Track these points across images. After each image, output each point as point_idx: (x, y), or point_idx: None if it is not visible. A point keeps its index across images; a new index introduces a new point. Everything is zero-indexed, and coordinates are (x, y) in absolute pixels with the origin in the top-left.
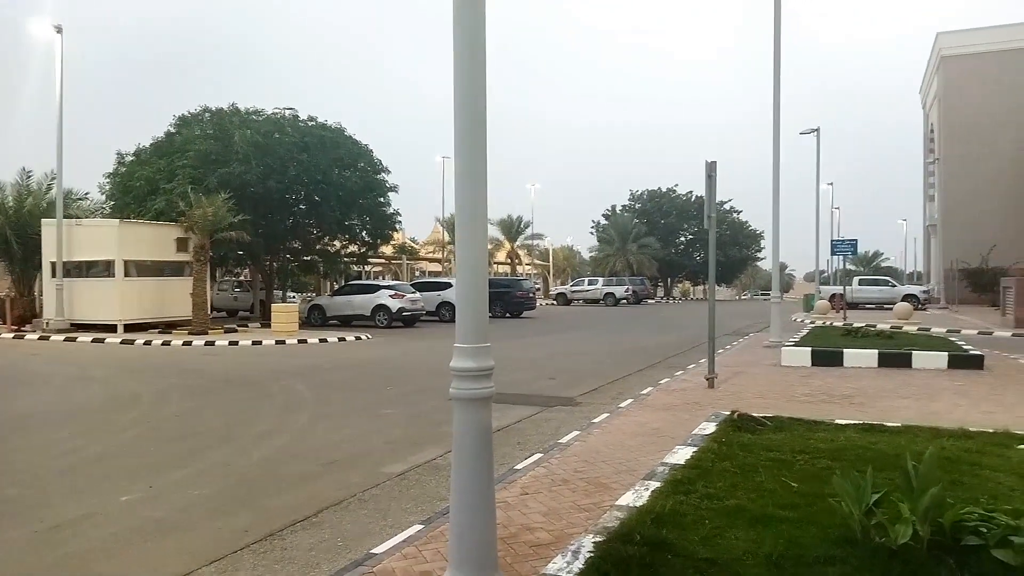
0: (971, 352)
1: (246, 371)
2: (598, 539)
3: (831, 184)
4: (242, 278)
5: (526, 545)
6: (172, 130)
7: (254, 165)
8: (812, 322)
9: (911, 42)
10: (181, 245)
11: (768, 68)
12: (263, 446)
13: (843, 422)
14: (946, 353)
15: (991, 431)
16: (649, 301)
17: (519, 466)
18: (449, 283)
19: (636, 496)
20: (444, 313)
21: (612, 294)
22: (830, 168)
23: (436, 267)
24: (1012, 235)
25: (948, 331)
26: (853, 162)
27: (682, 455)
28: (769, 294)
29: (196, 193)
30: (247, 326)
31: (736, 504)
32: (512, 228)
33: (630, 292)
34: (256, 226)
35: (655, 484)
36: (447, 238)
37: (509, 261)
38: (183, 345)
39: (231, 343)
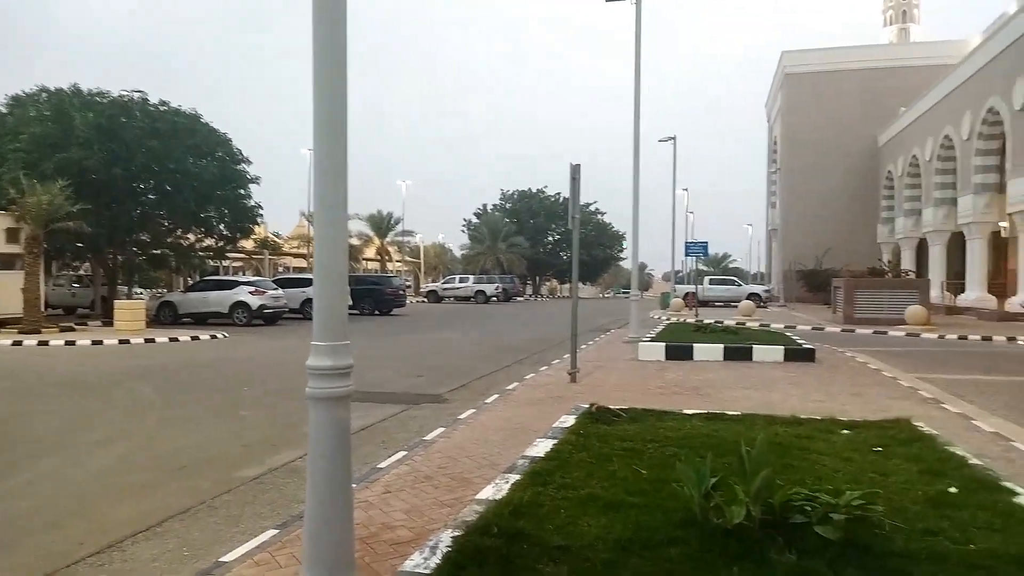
0: (804, 346)
1: (84, 373)
2: (456, 533)
3: (686, 189)
4: (81, 272)
5: (386, 544)
6: (3, 111)
7: (96, 151)
8: (668, 319)
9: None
10: (11, 236)
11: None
12: (102, 454)
13: (690, 412)
14: (782, 347)
15: (819, 418)
16: (518, 298)
17: (382, 464)
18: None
19: (496, 489)
20: (309, 311)
21: (483, 292)
22: (687, 174)
23: (301, 263)
24: (844, 240)
25: (786, 327)
26: (708, 169)
27: (542, 448)
28: (630, 292)
29: (29, 180)
30: (86, 324)
31: (590, 492)
32: (382, 224)
33: (500, 290)
34: (99, 216)
35: (515, 477)
36: (312, 232)
37: (379, 258)
38: (12, 345)
39: (67, 343)
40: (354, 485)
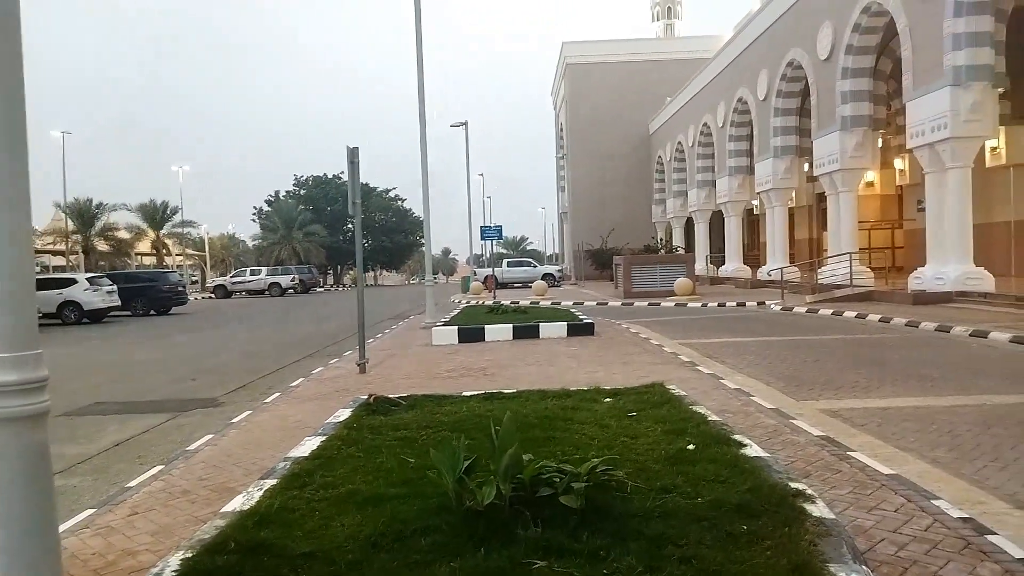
0: (585, 321)
1: None
2: (188, 554)
3: (482, 175)
4: None
5: (124, 572)
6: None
7: None
8: (467, 302)
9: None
10: None
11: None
12: None
13: (469, 394)
14: (565, 323)
15: (586, 389)
16: (318, 289)
17: (132, 483)
18: (74, 279)
19: (246, 499)
20: (68, 315)
21: (278, 284)
22: (488, 160)
23: (60, 260)
24: (626, 220)
25: (574, 303)
26: (508, 155)
27: (308, 447)
28: (436, 278)
29: None
30: None
31: (350, 489)
32: (156, 214)
33: (297, 281)
34: None
35: (271, 482)
36: (72, 226)
37: (155, 251)
38: None
39: None
40: (93, 510)
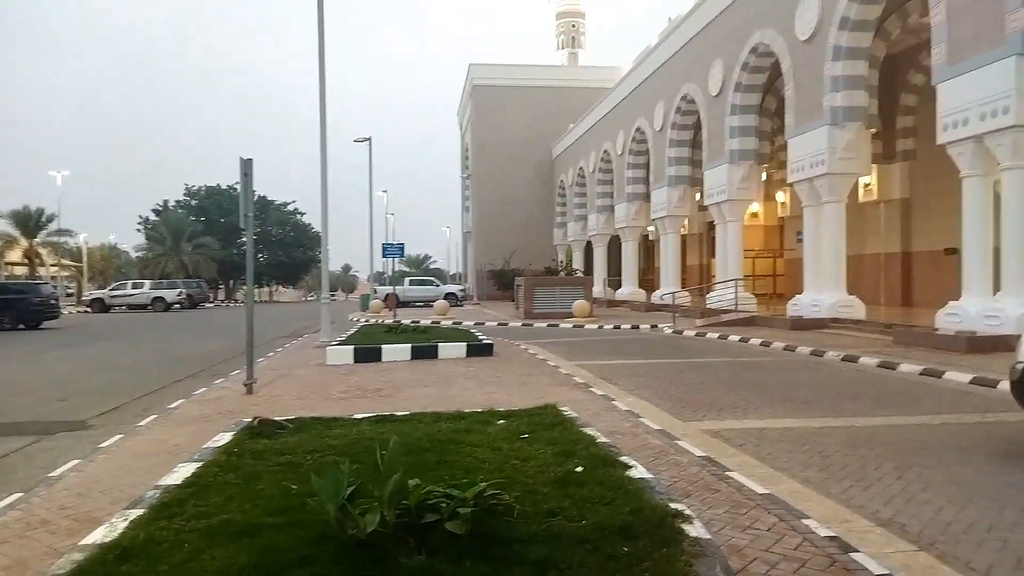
0: (484, 341)
1: None
2: None
3: (385, 191)
4: None
5: None
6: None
7: None
8: (366, 320)
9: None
10: None
11: (334, 79)
12: None
13: (360, 416)
14: (465, 343)
15: (480, 410)
16: (207, 305)
17: None
18: None
19: (109, 530)
20: None
21: (162, 298)
22: (394, 177)
23: None
24: (529, 241)
25: (475, 323)
26: (415, 173)
27: (182, 473)
28: (335, 295)
29: None
30: None
31: (225, 519)
32: (30, 222)
33: (184, 296)
34: None
35: (138, 512)
36: None
37: (27, 261)
38: None
39: None
40: None
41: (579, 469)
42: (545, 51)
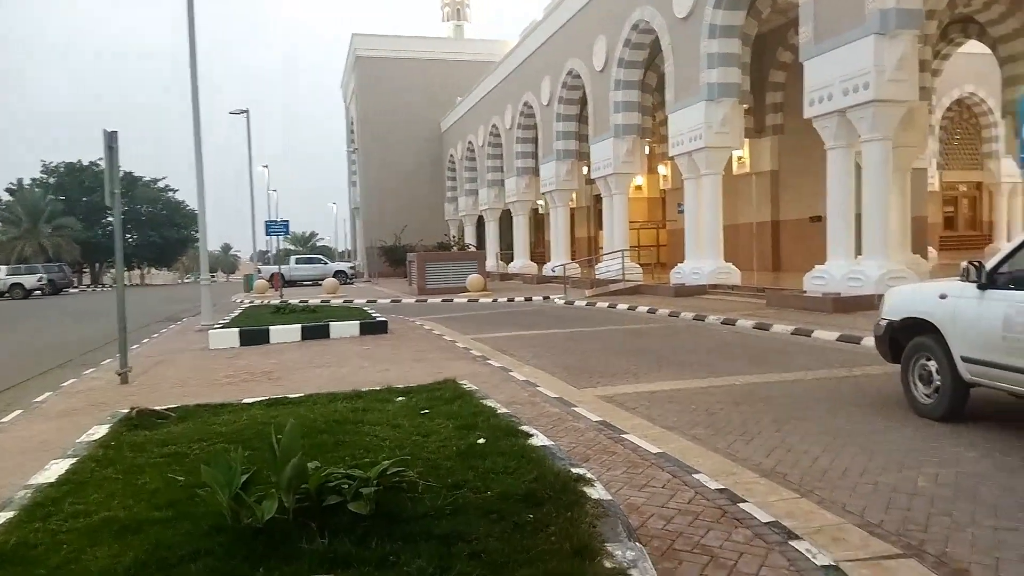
0: (378, 319)
1: None
2: None
3: (267, 166)
4: None
5: None
6: None
7: None
8: (251, 302)
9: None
10: None
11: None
12: None
13: (250, 400)
14: (358, 321)
15: (378, 388)
16: (71, 290)
17: None
18: None
19: None
20: None
21: (20, 285)
22: (277, 150)
23: None
24: (420, 216)
25: (367, 301)
26: (300, 146)
27: (55, 470)
28: (215, 276)
29: None
30: None
31: (106, 517)
32: None
33: (45, 282)
34: None
35: (8, 514)
36: None
37: None
38: None
39: None
40: None
41: (481, 441)
42: (430, 22)
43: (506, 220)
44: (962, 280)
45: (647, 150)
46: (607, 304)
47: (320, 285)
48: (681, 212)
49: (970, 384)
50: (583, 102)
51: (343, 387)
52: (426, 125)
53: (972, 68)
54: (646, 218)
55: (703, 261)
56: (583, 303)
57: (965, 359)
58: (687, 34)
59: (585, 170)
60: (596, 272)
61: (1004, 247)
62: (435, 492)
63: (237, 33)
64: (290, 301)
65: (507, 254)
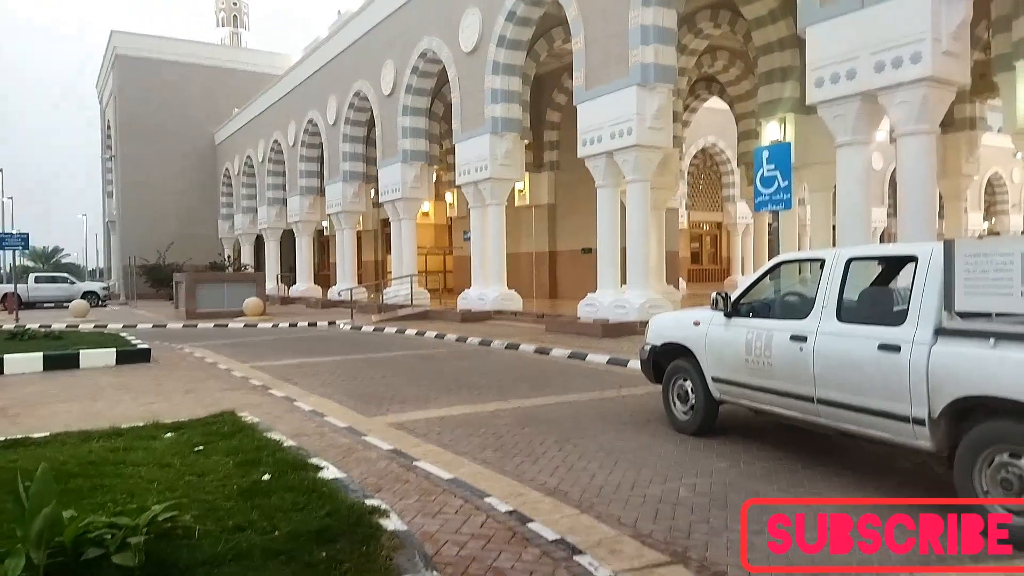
0: (139, 346)
1: None
2: None
3: (1, 170)
4: None
5: None
6: None
7: None
8: None
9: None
10: None
11: None
12: None
13: None
14: (115, 349)
15: (142, 424)
16: None
17: None
18: None
19: None
20: None
21: None
22: (13, 154)
23: None
24: (189, 233)
25: (124, 326)
26: (37, 147)
27: None
28: None
29: None
30: None
31: None
32: None
33: None
34: None
35: None
36: None
37: None
38: None
39: None
40: None
41: (266, 477)
42: (200, 27)
43: (288, 240)
44: (712, 309)
45: (434, 177)
46: (395, 329)
47: (66, 308)
48: (467, 239)
49: (719, 401)
50: (371, 124)
51: (99, 424)
52: (199, 134)
53: (714, 121)
54: (433, 244)
55: (488, 288)
56: (371, 328)
57: (715, 379)
58: (472, 68)
59: (373, 192)
60: (384, 297)
61: (743, 280)
62: (215, 537)
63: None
64: (28, 326)
65: (288, 276)
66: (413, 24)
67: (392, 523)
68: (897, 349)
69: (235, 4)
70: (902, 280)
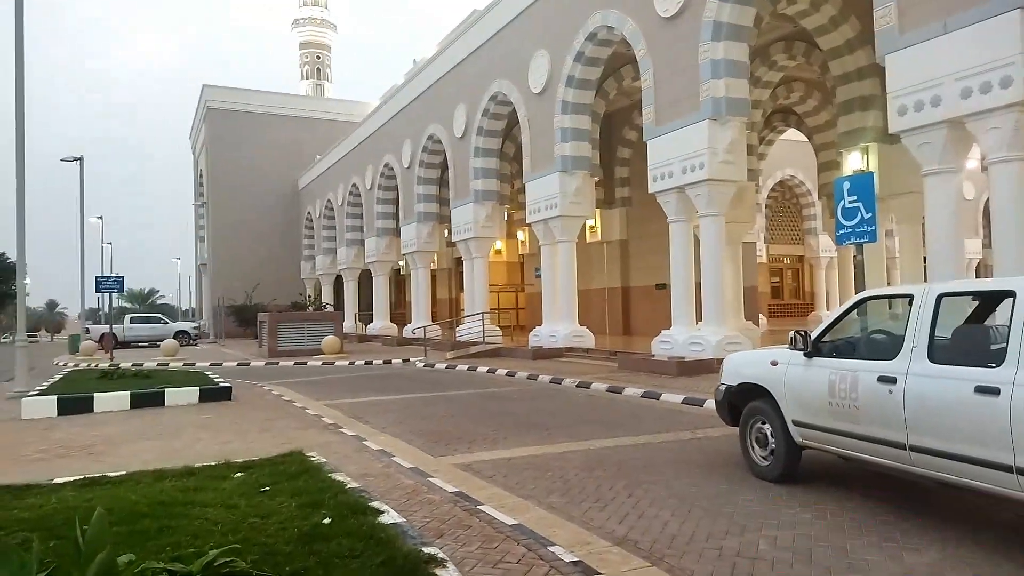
0: (221, 385)
1: None
2: None
3: (100, 217)
4: None
5: None
6: None
7: None
8: (76, 365)
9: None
10: None
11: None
12: None
13: (62, 480)
14: (197, 388)
15: (214, 464)
16: None
17: None
18: None
19: None
20: None
21: None
22: (113, 201)
23: None
24: (273, 275)
25: (211, 364)
26: (140, 198)
27: None
28: (36, 335)
29: None
30: None
31: None
32: None
33: None
34: None
35: None
36: None
37: None
38: None
39: None
40: None
41: (327, 521)
42: (286, 80)
43: (366, 280)
44: (791, 348)
45: (506, 216)
46: (467, 367)
47: (159, 346)
48: (538, 276)
49: (802, 447)
50: (444, 166)
51: (175, 462)
52: (282, 181)
53: (792, 153)
54: (505, 281)
55: (559, 324)
56: (443, 365)
57: (796, 423)
58: (542, 108)
59: (446, 232)
60: (457, 334)
61: (825, 318)
62: None
63: (68, 79)
64: (121, 364)
65: (366, 315)
66: (484, 68)
67: (448, 574)
68: (996, 392)
69: (318, 58)
70: (999, 317)
